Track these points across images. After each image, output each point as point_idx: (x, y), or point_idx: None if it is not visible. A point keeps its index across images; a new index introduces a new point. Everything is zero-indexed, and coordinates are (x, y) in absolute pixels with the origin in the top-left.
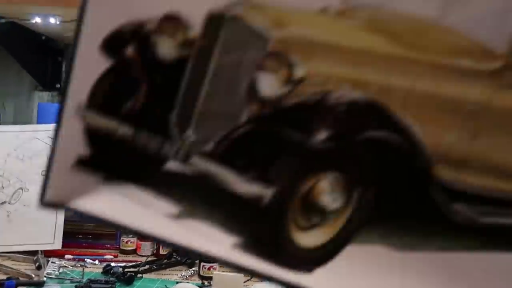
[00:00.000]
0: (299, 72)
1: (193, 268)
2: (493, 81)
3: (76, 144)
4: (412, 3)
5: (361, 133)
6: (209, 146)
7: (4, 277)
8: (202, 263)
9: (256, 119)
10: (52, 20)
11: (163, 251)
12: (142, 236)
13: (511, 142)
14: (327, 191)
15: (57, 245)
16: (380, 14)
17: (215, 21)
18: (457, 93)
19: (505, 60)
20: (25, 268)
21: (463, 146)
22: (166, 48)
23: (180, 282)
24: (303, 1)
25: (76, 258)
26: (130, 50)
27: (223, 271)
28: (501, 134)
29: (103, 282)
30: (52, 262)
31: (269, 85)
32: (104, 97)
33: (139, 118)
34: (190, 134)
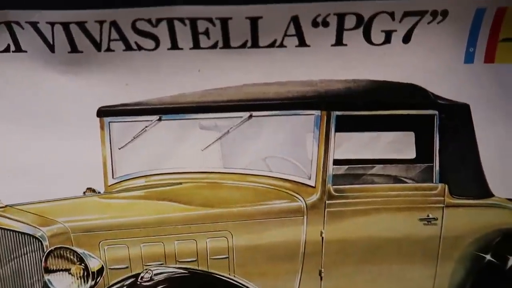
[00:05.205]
0: (94, 263)
1: None
2: (317, 215)
3: None
4: (183, 163)
5: None
6: None
7: None
8: None
9: None
10: None
11: None
12: None
13: (361, 271)
14: None
15: None
16: (155, 180)
17: None
18: (285, 237)
19: (321, 190)
20: None
21: None
22: None
23: None
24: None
25: None
26: None
27: None
28: (348, 266)
29: None
30: None
31: (65, 286)
32: None
33: None
34: None
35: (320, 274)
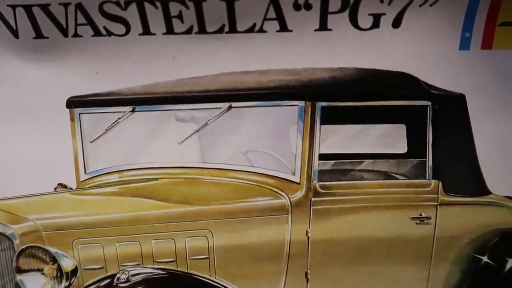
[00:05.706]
0: (67, 264)
1: None
2: (302, 213)
3: None
4: (159, 158)
5: None
6: None
7: None
8: None
9: None
10: None
11: None
12: None
13: (349, 273)
14: None
15: None
16: (130, 176)
17: None
18: (268, 237)
19: (306, 186)
20: None
21: None
22: None
23: None
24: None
25: None
26: None
27: None
28: (336, 267)
29: None
30: None
31: (38, 287)
32: None
33: None
34: None
35: (306, 276)
